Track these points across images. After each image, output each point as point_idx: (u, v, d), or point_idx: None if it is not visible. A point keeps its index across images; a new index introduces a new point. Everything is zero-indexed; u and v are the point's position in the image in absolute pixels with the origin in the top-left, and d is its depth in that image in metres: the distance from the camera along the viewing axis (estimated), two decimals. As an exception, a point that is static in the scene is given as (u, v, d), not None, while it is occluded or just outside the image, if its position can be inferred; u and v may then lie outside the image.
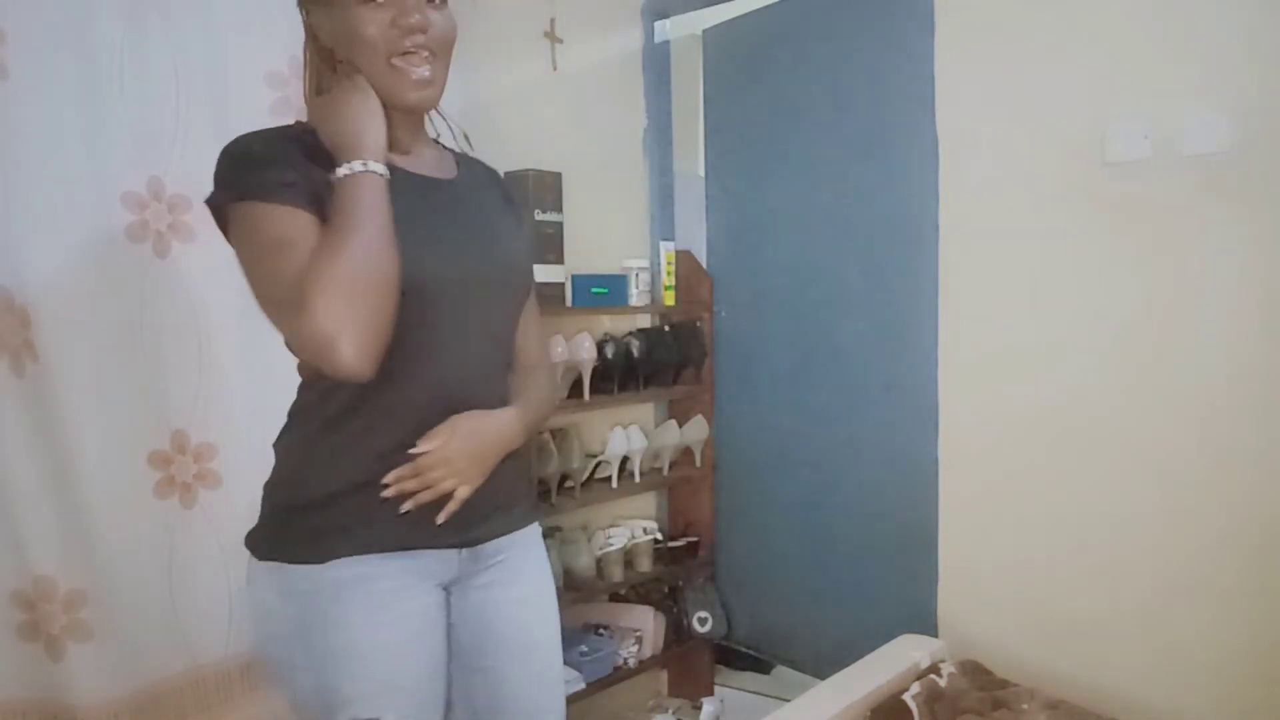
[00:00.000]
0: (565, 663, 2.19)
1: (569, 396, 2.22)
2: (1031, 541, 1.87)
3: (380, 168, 1.00)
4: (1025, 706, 1.61)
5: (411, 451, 1.05)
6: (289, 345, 1.02)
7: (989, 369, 1.92)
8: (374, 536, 1.06)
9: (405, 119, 1.10)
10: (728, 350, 2.53)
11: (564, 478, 2.22)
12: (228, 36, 1.64)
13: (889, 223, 2.09)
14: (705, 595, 2.51)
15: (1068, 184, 1.78)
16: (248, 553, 1.12)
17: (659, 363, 2.37)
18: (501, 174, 1.31)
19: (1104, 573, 1.78)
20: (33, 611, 1.46)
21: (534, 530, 1.26)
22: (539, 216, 2.12)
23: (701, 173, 2.59)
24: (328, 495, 1.07)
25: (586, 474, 2.30)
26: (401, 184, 1.05)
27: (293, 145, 1.03)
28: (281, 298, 0.95)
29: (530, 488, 1.29)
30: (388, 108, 1.05)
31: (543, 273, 2.08)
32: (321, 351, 0.93)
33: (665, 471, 2.50)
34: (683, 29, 2.60)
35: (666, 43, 2.58)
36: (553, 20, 2.31)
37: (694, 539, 2.54)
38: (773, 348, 2.41)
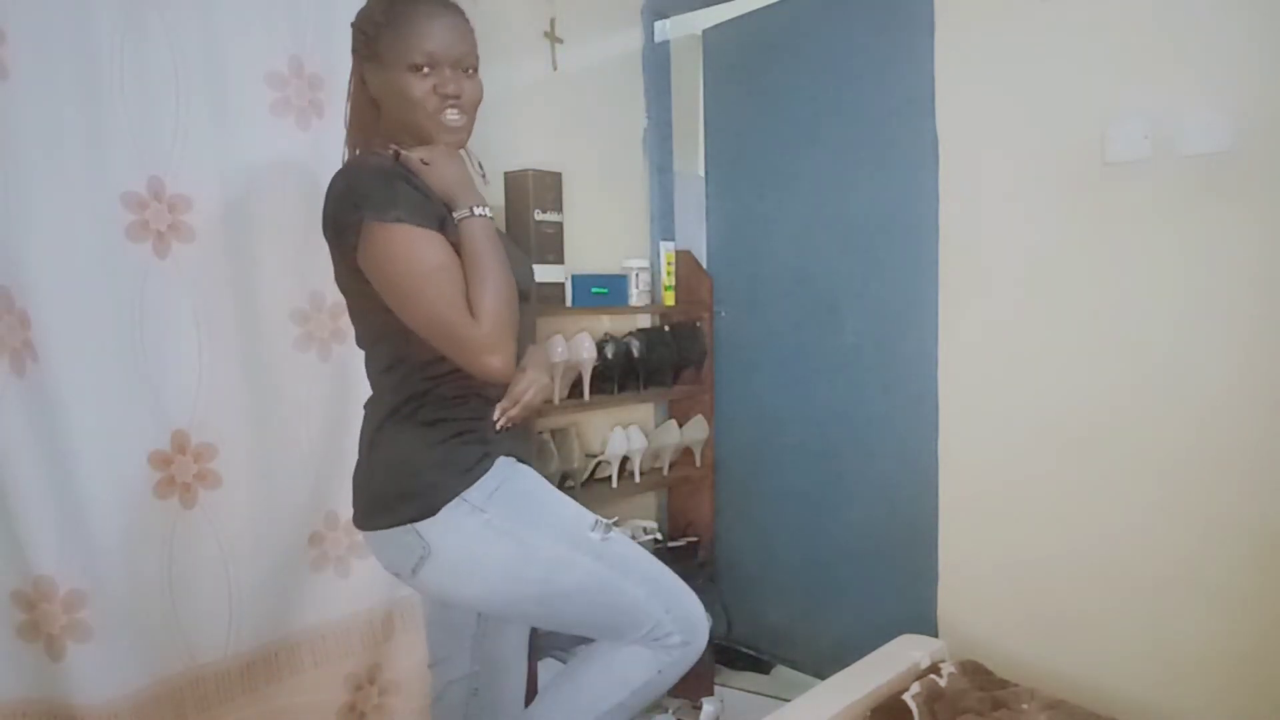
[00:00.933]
0: (564, 663, 2.20)
1: (569, 396, 2.22)
2: (1031, 542, 1.87)
3: (489, 212, 1.28)
4: (1025, 706, 1.61)
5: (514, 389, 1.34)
6: (456, 355, 1.24)
7: (989, 369, 1.92)
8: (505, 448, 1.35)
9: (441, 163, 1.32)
10: (728, 350, 2.53)
11: (564, 477, 2.22)
12: (228, 36, 1.64)
13: (889, 222, 2.10)
14: (705, 595, 2.50)
15: (1068, 184, 1.78)
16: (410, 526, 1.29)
17: (659, 363, 2.37)
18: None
19: (1104, 573, 1.78)
20: (33, 611, 1.46)
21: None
22: (539, 216, 2.12)
23: (701, 173, 2.59)
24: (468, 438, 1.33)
25: (586, 474, 2.30)
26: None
27: (414, 180, 1.27)
28: (454, 317, 1.21)
29: None
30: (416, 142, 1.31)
31: (543, 273, 2.09)
32: (488, 361, 1.21)
33: (665, 471, 2.50)
34: (683, 29, 2.60)
35: (666, 43, 2.59)
36: (553, 20, 2.31)
37: (694, 539, 2.54)
38: (773, 348, 2.41)
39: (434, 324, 1.22)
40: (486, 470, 1.31)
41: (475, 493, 1.29)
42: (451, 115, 1.29)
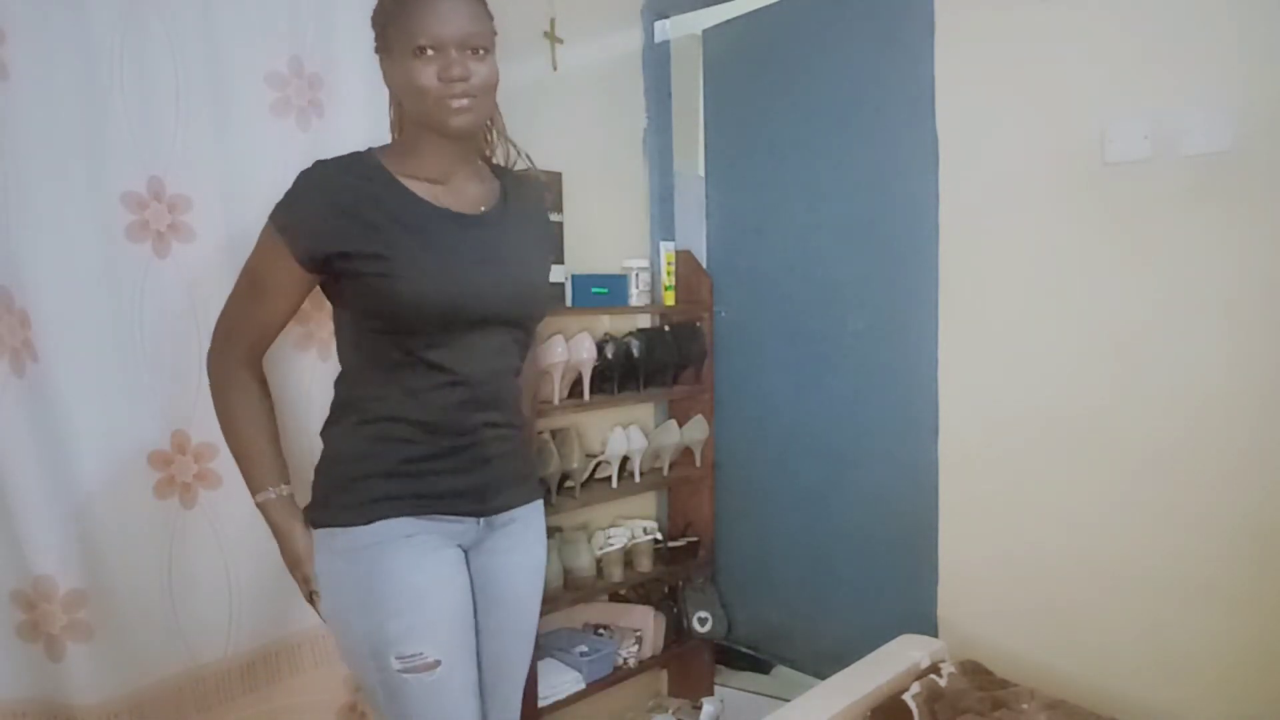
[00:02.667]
0: (566, 663, 2.20)
1: (569, 396, 2.22)
2: (1032, 542, 1.87)
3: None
4: (1025, 706, 1.61)
5: None
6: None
7: (989, 369, 1.92)
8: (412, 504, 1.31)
9: (449, 147, 1.29)
10: (728, 350, 2.53)
11: (564, 478, 2.22)
12: (228, 36, 1.64)
13: (889, 223, 2.10)
14: (705, 595, 2.51)
15: (1068, 184, 1.78)
16: None
17: (659, 363, 2.37)
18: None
19: (1104, 573, 1.78)
20: (33, 611, 1.46)
21: (537, 505, 1.48)
22: (539, 216, 2.11)
23: (701, 173, 2.59)
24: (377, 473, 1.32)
25: (586, 474, 2.30)
26: (429, 218, 1.27)
27: (336, 195, 1.28)
28: (221, 320, 1.38)
29: (534, 468, 1.54)
30: (435, 137, 1.27)
31: (543, 273, 2.08)
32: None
33: (665, 471, 2.50)
34: (683, 29, 2.60)
35: (666, 43, 2.58)
36: (553, 20, 2.31)
37: (694, 539, 2.54)
38: (773, 348, 2.41)
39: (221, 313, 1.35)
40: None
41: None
42: (458, 100, 1.21)
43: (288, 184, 1.68)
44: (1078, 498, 1.80)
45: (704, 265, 2.56)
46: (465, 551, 1.38)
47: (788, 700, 1.74)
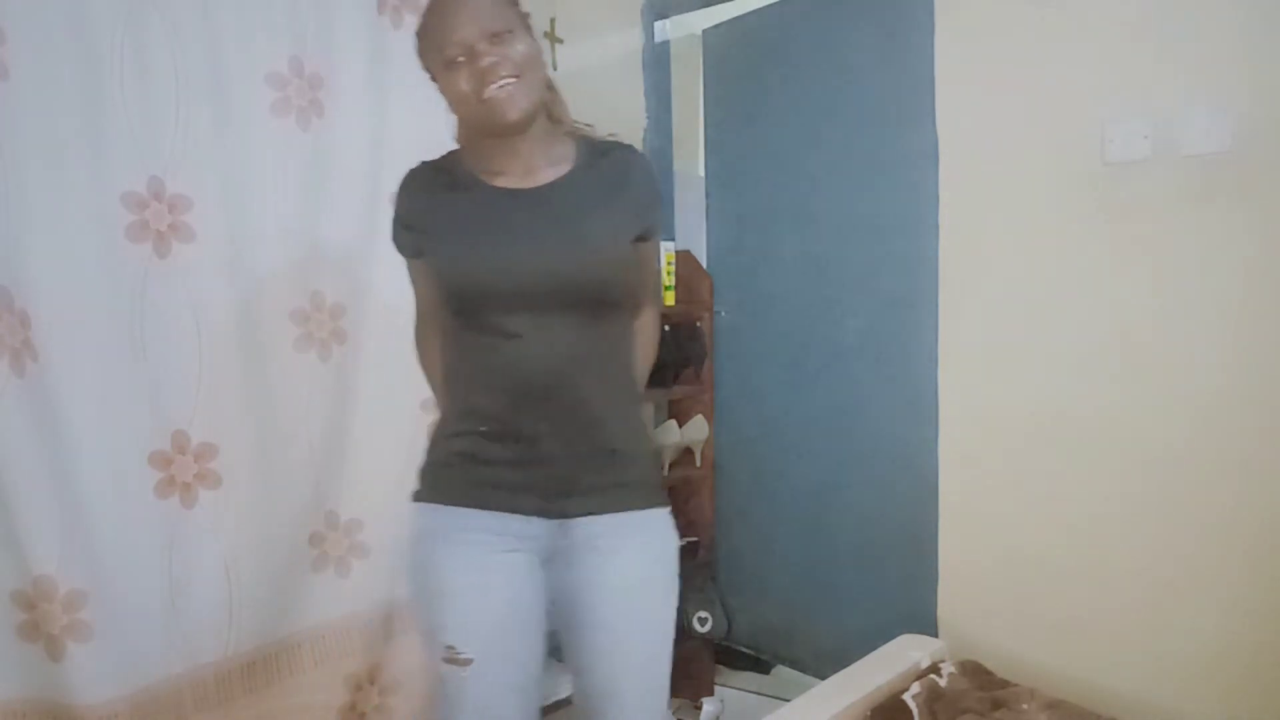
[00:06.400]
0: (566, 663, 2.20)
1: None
2: (1032, 542, 1.87)
3: None
4: (1025, 706, 1.61)
5: None
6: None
7: (989, 369, 1.92)
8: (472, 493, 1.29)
9: (506, 142, 1.26)
10: (728, 350, 2.53)
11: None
12: (228, 36, 1.64)
13: (889, 222, 2.09)
14: (705, 595, 2.51)
15: (1068, 184, 1.78)
16: None
17: (659, 363, 2.36)
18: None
19: (1104, 573, 1.78)
20: (33, 611, 1.46)
21: (646, 517, 1.34)
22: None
23: (701, 173, 2.59)
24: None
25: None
26: (480, 199, 1.27)
27: (414, 197, 1.36)
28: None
29: (648, 475, 1.38)
30: (488, 139, 1.26)
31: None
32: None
33: (665, 472, 2.50)
34: (683, 29, 2.60)
35: (666, 43, 2.58)
36: (553, 20, 2.32)
37: (694, 539, 2.54)
38: (773, 348, 2.41)
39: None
40: None
41: None
42: (493, 89, 1.18)
43: (287, 183, 1.69)
44: (1078, 498, 1.80)
45: (704, 265, 2.56)
46: (541, 560, 1.31)
47: (788, 700, 1.74)
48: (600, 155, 1.32)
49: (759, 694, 2.50)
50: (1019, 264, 1.86)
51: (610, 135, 1.39)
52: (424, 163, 1.35)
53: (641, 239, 1.31)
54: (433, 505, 1.30)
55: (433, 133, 1.93)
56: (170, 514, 1.60)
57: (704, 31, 2.55)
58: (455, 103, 1.23)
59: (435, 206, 1.29)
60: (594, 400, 1.26)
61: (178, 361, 1.61)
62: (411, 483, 1.34)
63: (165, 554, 1.60)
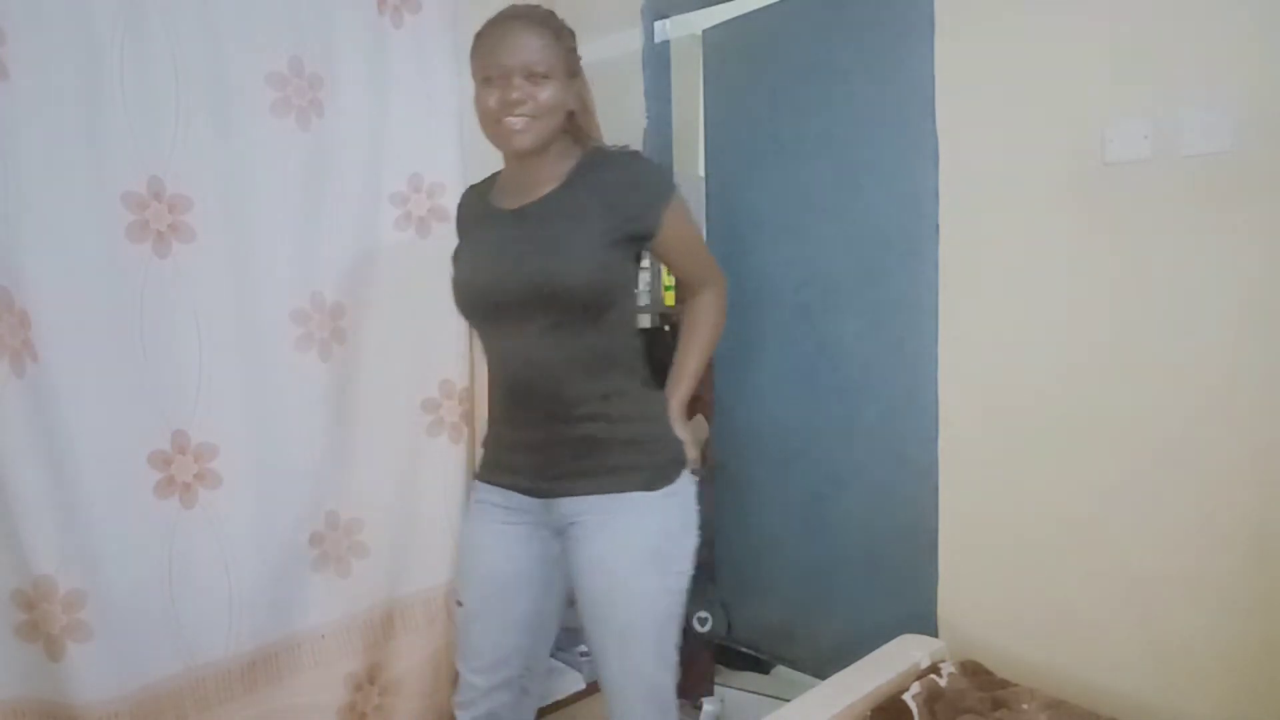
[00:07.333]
0: (566, 663, 2.20)
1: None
2: (1032, 542, 1.87)
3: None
4: (1025, 706, 1.61)
5: None
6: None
7: (989, 369, 1.92)
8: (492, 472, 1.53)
9: (516, 161, 1.43)
10: (728, 350, 2.53)
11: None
12: (228, 36, 1.64)
13: (889, 222, 2.09)
14: (705, 595, 2.51)
15: (1068, 184, 1.78)
16: None
17: (659, 363, 2.36)
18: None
19: (1105, 573, 1.78)
20: (33, 611, 1.46)
21: (627, 499, 1.42)
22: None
23: (701, 173, 2.59)
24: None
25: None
26: (482, 218, 1.50)
27: (465, 208, 1.61)
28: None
29: (636, 460, 1.44)
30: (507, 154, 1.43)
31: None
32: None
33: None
34: (683, 29, 2.60)
35: (666, 43, 2.58)
36: (553, 20, 2.31)
37: (694, 539, 2.54)
38: (773, 348, 2.41)
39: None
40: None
41: None
42: (511, 120, 1.34)
43: (287, 183, 1.70)
44: (1079, 498, 1.80)
45: (704, 265, 2.56)
46: (553, 533, 1.48)
47: (788, 700, 1.74)
48: (592, 169, 1.42)
49: (759, 694, 2.50)
50: (1019, 264, 1.86)
51: (622, 146, 1.49)
52: (470, 187, 1.59)
53: (639, 238, 1.43)
54: (475, 481, 1.56)
55: (433, 133, 1.95)
56: (170, 514, 1.60)
57: (704, 31, 2.54)
58: (479, 113, 1.38)
59: (463, 232, 1.55)
60: (571, 395, 1.40)
61: (178, 361, 1.61)
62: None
63: (165, 554, 1.60)
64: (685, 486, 1.48)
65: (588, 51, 2.45)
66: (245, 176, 1.67)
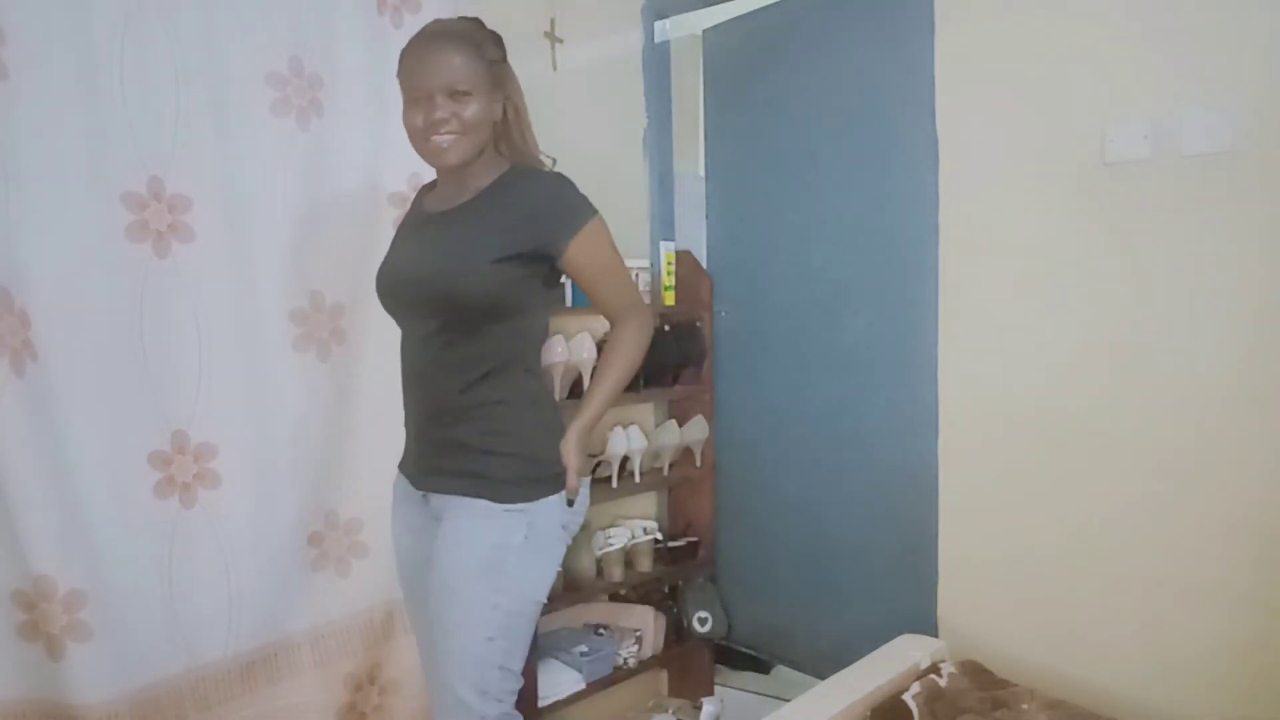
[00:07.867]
0: (566, 663, 2.20)
1: (569, 396, 2.22)
2: (1031, 542, 1.87)
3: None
4: (1025, 706, 1.61)
5: None
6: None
7: (989, 369, 1.92)
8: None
9: (446, 173, 1.46)
10: (728, 350, 2.53)
11: (564, 478, 2.22)
12: (228, 36, 1.64)
13: (889, 222, 2.10)
14: (705, 595, 2.51)
15: (1068, 184, 1.78)
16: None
17: (659, 363, 2.37)
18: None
19: (1104, 573, 1.78)
20: (33, 611, 1.46)
21: (478, 506, 1.41)
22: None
23: (701, 173, 2.59)
24: None
25: (587, 474, 2.29)
26: (409, 221, 1.55)
27: (405, 219, 1.62)
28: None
29: (500, 471, 1.42)
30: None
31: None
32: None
33: (665, 471, 2.50)
34: (683, 29, 2.60)
35: (666, 43, 2.58)
36: (553, 20, 2.31)
37: (694, 539, 2.54)
38: (773, 348, 2.41)
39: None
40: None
41: None
42: (438, 139, 1.37)
43: (287, 183, 1.71)
44: (1078, 498, 1.81)
45: (704, 265, 2.56)
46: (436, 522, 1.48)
47: (788, 700, 1.74)
48: (507, 187, 1.43)
49: (759, 694, 2.50)
50: (1019, 264, 1.86)
51: (548, 160, 1.52)
52: (424, 185, 1.59)
53: (541, 259, 1.41)
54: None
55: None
56: (170, 514, 1.60)
57: (704, 31, 2.55)
58: (408, 131, 1.41)
59: (399, 229, 1.57)
60: (447, 397, 1.43)
61: (178, 361, 1.61)
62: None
63: (165, 554, 1.60)
64: (545, 509, 1.42)
65: (588, 52, 2.47)
66: (245, 176, 1.67)
